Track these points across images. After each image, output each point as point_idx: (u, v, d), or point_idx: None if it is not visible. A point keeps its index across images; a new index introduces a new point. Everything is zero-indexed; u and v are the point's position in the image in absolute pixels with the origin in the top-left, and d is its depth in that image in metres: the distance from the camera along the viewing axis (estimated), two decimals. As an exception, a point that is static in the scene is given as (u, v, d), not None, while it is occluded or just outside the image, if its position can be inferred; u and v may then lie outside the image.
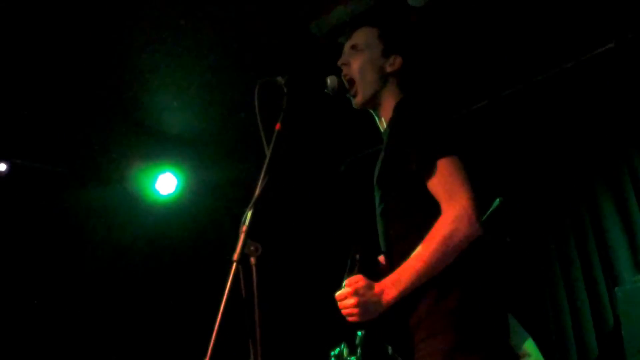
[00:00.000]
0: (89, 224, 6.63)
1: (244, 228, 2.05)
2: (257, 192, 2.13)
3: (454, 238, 2.24)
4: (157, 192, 6.91)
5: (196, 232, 7.33)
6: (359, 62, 2.77)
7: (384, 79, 2.77)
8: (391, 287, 2.29)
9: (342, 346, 4.80)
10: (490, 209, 4.74)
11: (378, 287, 2.31)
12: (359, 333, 4.78)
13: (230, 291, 1.97)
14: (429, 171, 2.34)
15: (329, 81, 2.69)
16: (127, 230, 6.83)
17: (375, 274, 2.38)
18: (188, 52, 5.29)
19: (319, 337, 6.29)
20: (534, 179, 5.86)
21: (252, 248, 2.03)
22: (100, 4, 4.64)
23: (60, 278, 6.31)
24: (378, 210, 2.66)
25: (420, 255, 2.27)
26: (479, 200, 2.30)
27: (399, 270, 2.31)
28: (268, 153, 2.25)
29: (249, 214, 2.08)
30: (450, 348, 2.21)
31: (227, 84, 5.74)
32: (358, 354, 4.71)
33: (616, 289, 4.79)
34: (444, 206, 2.30)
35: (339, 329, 5.45)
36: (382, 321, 2.36)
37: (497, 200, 4.75)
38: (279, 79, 2.47)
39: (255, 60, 5.41)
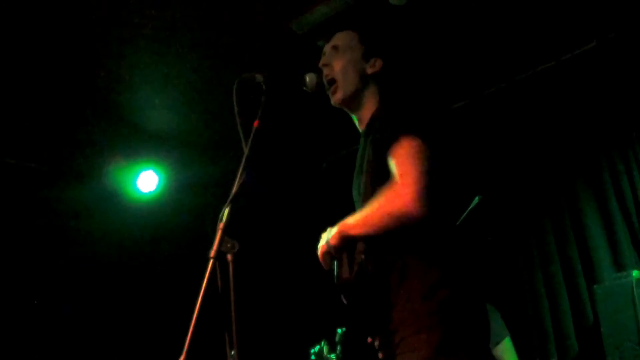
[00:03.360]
0: (69, 222, 6.59)
1: (221, 225, 2.06)
2: (234, 189, 2.14)
3: (393, 213, 2.28)
4: (139, 189, 6.89)
5: (177, 229, 7.32)
6: (341, 63, 2.77)
7: (364, 80, 2.76)
8: (340, 225, 2.45)
9: (322, 344, 4.81)
10: (470, 207, 4.77)
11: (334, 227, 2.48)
12: (339, 330, 4.79)
13: (207, 288, 1.96)
14: (392, 147, 2.34)
15: (307, 79, 2.69)
16: (107, 227, 6.80)
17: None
18: (169, 49, 5.27)
19: (299, 335, 6.31)
20: (514, 176, 5.89)
21: (229, 245, 2.03)
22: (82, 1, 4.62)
23: (38, 276, 6.27)
24: (357, 203, 2.68)
25: (364, 216, 2.38)
26: (433, 184, 2.25)
27: (349, 218, 2.44)
28: (246, 150, 2.25)
29: (226, 211, 2.08)
30: (433, 347, 2.22)
31: (208, 82, 5.73)
32: (338, 352, 4.72)
33: (595, 286, 4.84)
34: (394, 180, 2.30)
35: (319, 326, 5.48)
36: (367, 317, 2.41)
37: (477, 198, 4.77)
38: (258, 76, 2.46)
39: (237, 58, 5.41)
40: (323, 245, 2.52)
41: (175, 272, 6.89)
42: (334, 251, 2.47)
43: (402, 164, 2.30)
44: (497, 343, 5.13)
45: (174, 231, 7.31)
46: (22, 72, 5.36)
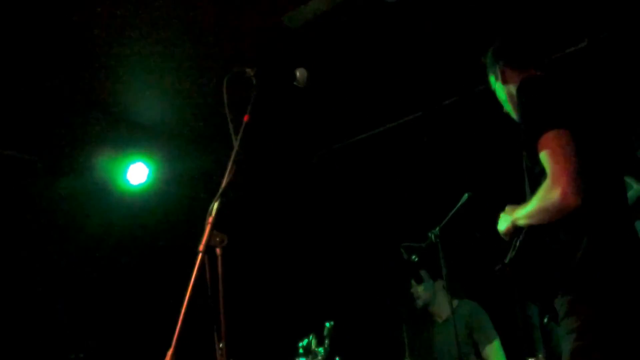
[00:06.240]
0: (57, 214, 6.57)
1: (210, 219, 2.07)
2: (223, 183, 2.15)
3: (548, 206, 2.52)
4: (128, 181, 6.87)
5: (167, 222, 7.30)
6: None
7: (508, 89, 3.12)
8: (513, 212, 2.88)
9: (311, 337, 4.83)
10: (459, 204, 4.80)
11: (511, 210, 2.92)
12: (327, 324, 4.81)
13: (196, 282, 1.98)
14: (536, 145, 2.57)
15: (298, 74, 2.69)
16: (96, 219, 6.78)
17: None
18: (160, 41, 5.25)
19: (287, 328, 6.32)
20: (504, 173, 5.91)
21: (217, 239, 2.05)
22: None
23: (27, 268, 6.25)
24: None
25: (526, 207, 2.71)
26: (579, 172, 2.45)
27: (519, 209, 2.81)
28: (235, 144, 2.26)
29: (216, 205, 2.09)
30: (589, 320, 2.45)
31: (198, 75, 5.72)
32: (326, 345, 4.74)
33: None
34: (547, 175, 2.51)
35: (307, 320, 5.50)
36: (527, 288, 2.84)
37: (466, 195, 4.80)
38: (248, 70, 2.47)
39: (228, 51, 5.40)
40: (507, 227, 2.93)
41: (164, 265, 6.88)
42: (508, 236, 2.93)
43: (548, 161, 2.51)
44: (488, 344, 5.18)
45: (163, 224, 7.30)
46: (11, 63, 5.33)
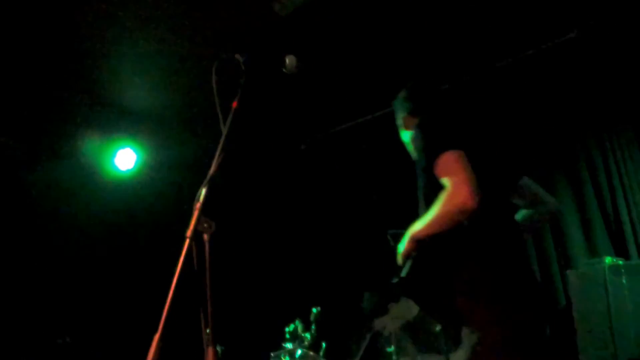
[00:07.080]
0: (45, 199, 6.55)
1: (198, 205, 2.07)
2: (211, 169, 2.15)
3: (451, 209, 2.66)
4: (117, 167, 6.86)
5: (155, 208, 7.30)
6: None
7: (410, 134, 3.29)
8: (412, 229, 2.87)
9: (297, 323, 4.86)
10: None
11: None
12: (314, 310, 4.84)
13: (183, 267, 1.98)
14: (435, 166, 2.75)
15: (287, 60, 2.68)
16: (84, 205, 6.77)
17: None
18: (149, 27, 5.23)
19: (274, 314, 6.34)
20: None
21: (205, 225, 2.05)
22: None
23: (12, 254, 6.23)
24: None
25: (425, 218, 2.79)
26: (475, 182, 2.65)
27: (416, 223, 2.86)
28: (224, 131, 2.26)
29: (203, 191, 2.09)
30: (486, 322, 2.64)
31: (187, 61, 5.70)
32: (312, 330, 4.78)
33: (567, 271, 4.91)
34: (446, 187, 2.69)
35: (294, 306, 5.52)
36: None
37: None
38: (238, 56, 2.47)
39: (217, 38, 5.38)
40: (406, 246, 2.91)
41: (152, 250, 6.88)
42: (407, 254, 2.90)
43: (447, 174, 2.70)
44: None
45: (151, 209, 7.30)
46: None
